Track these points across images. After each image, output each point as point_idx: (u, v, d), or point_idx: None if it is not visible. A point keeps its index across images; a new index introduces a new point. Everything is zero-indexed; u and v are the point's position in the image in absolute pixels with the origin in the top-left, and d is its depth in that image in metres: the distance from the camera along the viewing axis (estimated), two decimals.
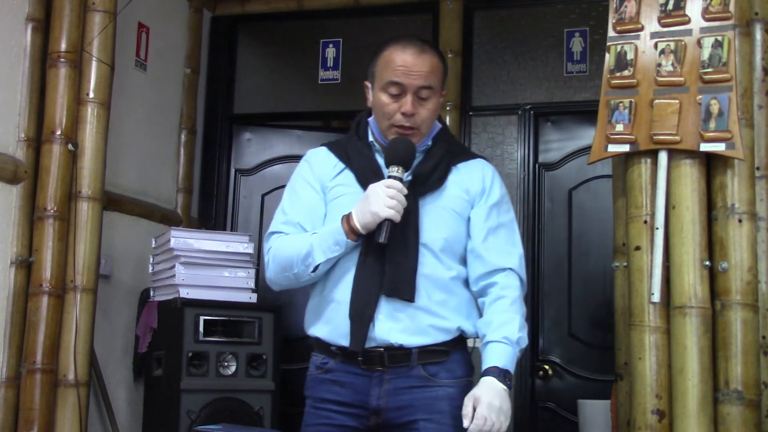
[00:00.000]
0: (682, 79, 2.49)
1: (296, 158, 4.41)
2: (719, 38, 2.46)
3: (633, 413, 2.48)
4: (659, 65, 2.52)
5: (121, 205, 3.88)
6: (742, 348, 2.40)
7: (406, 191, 2.08)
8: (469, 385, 2.13)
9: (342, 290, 2.15)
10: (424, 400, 2.12)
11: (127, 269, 3.92)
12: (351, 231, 2.09)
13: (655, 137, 2.48)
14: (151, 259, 3.84)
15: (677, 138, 2.46)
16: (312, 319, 2.24)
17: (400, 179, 2.09)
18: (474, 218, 2.22)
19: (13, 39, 3.30)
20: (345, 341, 2.13)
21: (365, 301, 2.10)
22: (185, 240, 3.62)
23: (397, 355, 2.12)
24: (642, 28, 2.57)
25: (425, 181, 2.19)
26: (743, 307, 2.42)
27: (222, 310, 3.61)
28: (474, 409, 1.99)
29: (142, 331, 3.76)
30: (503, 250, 2.20)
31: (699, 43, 2.48)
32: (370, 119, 2.27)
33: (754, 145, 2.53)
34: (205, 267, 3.64)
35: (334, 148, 2.30)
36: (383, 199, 2.04)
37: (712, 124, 2.42)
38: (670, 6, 2.54)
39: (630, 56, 2.57)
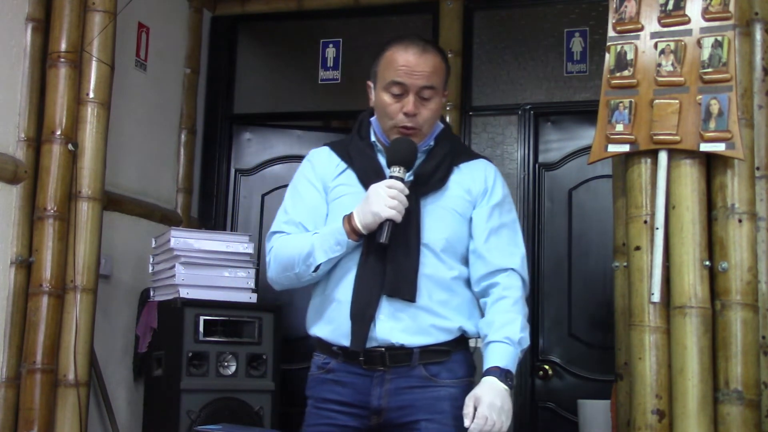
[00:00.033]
0: (682, 79, 2.49)
1: (296, 158, 4.46)
2: (719, 38, 2.46)
3: (633, 413, 2.49)
4: (659, 65, 2.52)
5: (121, 205, 3.88)
6: (742, 348, 2.40)
7: (407, 191, 2.08)
8: (470, 385, 2.12)
9: (343, 290, 2.15)
10: (426, 400, 2.12)
11: (127, 269, 3.92)
12: (352, 231, 2.09)
13: (655, 137, 2.48)
14: (151, 259, 3.84)
15: (677, 138, 2.46)
16: (313, 318, 2.24)
17: (402, 179, 2.09)
18: (476, 218, 2.22)
19: (13, 39, 3.30)
20: (346, 341, 2.13)
21: (366, 300, 2.11)
22: (185, 240, 3.62)
23: (399, 354, 2.12)
24: (642, 28, 2.57)
25: (427, 182, 2.19)
26: (743, 307, 2.43)
27: (222, 310, 3.61)
28: (475, 409, 1.99)
29: (142, 331, 3.76)
30: (505, 251, 2.20)
31: (699, 43, 2.48)
32: (373, 119, 2.27)
33: (754, 145, 2.53)
34: (205, 267, 3.64)
35: (337, 147, 2.30)
36: (384, 199, 2.04)
37: (712, 124, 2.43)
38: (670, 6, 2.54)
39: (630, 56, 2.57)
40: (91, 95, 3.38)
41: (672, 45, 2.51)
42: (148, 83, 4.14)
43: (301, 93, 4.70)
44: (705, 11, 2.49)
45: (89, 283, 3.32)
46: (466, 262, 2.22)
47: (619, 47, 2.59)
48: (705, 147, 2.43)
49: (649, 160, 2.53)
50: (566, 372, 4.11)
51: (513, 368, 2.08)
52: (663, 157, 2.49)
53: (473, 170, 2.26)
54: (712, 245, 2.47)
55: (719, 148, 2.42)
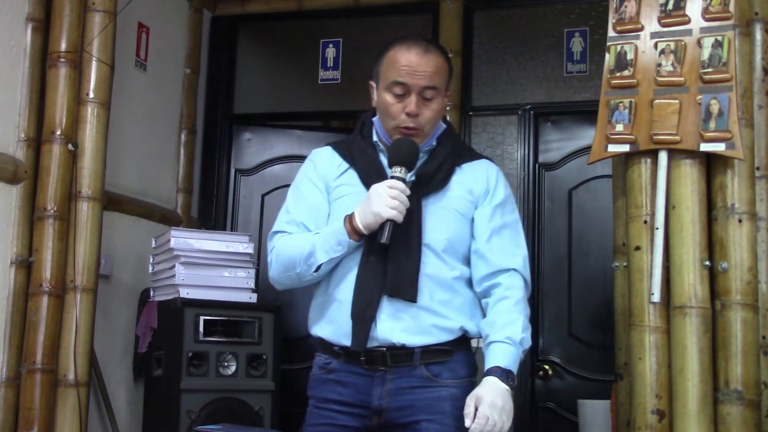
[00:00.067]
0: (682, 79, 2.49)
1: (296, 158, 4.46)
2: (719, 38, 2.46)
3: (633, 413, 2.49)
4: (659, 65, 2.52)
5: (121, 205, 3.88)
6: (742, 348, 2.41)
7: (408, 192, 2.08)
8: (472, 385, 2.12)
9: (344, 290, 2.15)
10: (427, 401, 2.12)
11: (127, 269, 3.92)
12: (353, 231, 2.09)
13: (655, 137, 2.49)
14: (151, 259, 3.84)
15: (677, 138, 2.46)
16: (315, 318, 2.24)
17: (403, 180, 2.09)
18: (478, 219, 2.22)
19: (13, 39, 3.30)
20: (347, 341, 2.13)
21: (367, 300, 2.10)
22: (185, 240, 3.62)
23: (400, 354, 2.12)
24: (642, 28, 2.57)
25: (429, 182, 2.19)
26: (743, 307, 2.43)
27: (222, 310, 3.61)
28: (476, 409, 1.99)
29: (142, 331, 3.76)
30: (507, 251, 2.20)
31: (699, 43, 2.49)
32: (375, 119, 2.27)
33: (754, 145, 2.54)
34: (205, 267, 3.64)
35: (339, 147, 2.30)
36: (385, 199, 2.04)
37: (712, 124, 2.43)
38: (670, 6, 2.54)
39: (630, 56, 2.57)
40: (91, 95, 3.38)
41: (672, 45, 2.51)
42: (148, 83, 4.14)
43: (301, 93, 4.70)
44: (705, 11, 2.50)
45: (89, 283, 3.32)
46: (467, 262, 2.22)
47: (619, 47, 2.59)
48: (705, 147, 2.44)
49: (649, 160, 2.54)
50: (566, 372, 4.11)
51: (514, 368, 2.08)
52: (663, 157, 2.49)
53: (475, 170, 2.26)
54: (712, 245, 2.47)
55: (719, 148, 2.43)
